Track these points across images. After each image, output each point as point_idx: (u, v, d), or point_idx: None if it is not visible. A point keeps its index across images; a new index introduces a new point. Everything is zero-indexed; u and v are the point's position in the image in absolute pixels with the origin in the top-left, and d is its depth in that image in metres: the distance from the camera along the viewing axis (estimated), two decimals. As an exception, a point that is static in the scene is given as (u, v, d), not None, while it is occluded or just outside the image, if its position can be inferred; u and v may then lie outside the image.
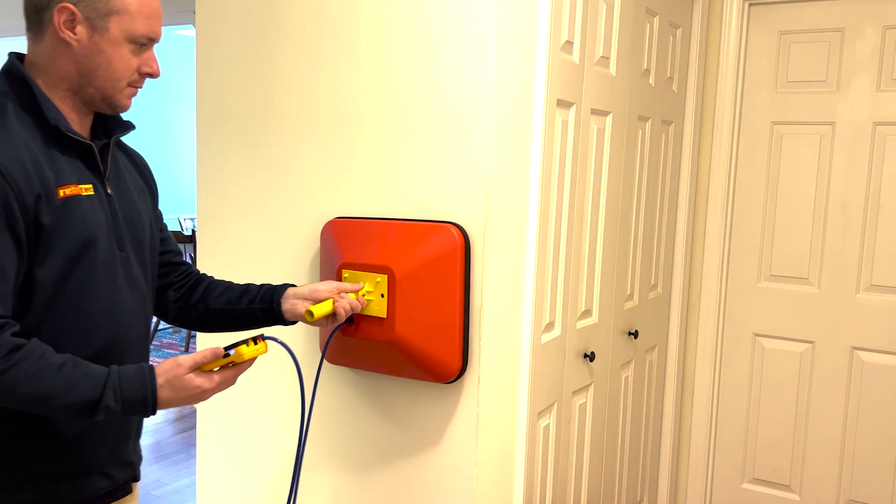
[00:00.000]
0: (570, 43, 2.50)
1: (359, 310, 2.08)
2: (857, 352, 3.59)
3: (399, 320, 2.14)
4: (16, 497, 1.63)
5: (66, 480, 1.69)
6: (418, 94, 2.26)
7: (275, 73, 2.47)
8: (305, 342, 2.51)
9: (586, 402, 2.92)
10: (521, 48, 2.28)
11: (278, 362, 2.56)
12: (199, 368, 1.63)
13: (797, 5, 3.58)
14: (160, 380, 1.60)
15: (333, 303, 2.00)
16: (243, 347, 1.67)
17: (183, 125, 11.22)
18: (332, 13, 2.37)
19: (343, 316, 2.00)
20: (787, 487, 3.77)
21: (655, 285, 3.56)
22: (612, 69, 2.83)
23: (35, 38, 1.65)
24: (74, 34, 1.61)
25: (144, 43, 1.66)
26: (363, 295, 2.14)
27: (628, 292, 3.22)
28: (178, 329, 8.71)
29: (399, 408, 2.37)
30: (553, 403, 2.65)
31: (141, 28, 1.64)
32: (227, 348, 1.66)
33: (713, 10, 3.69)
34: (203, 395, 1.64)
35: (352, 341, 2.23)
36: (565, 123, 2.53)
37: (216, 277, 2.58)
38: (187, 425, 5.54)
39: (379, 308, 2.15)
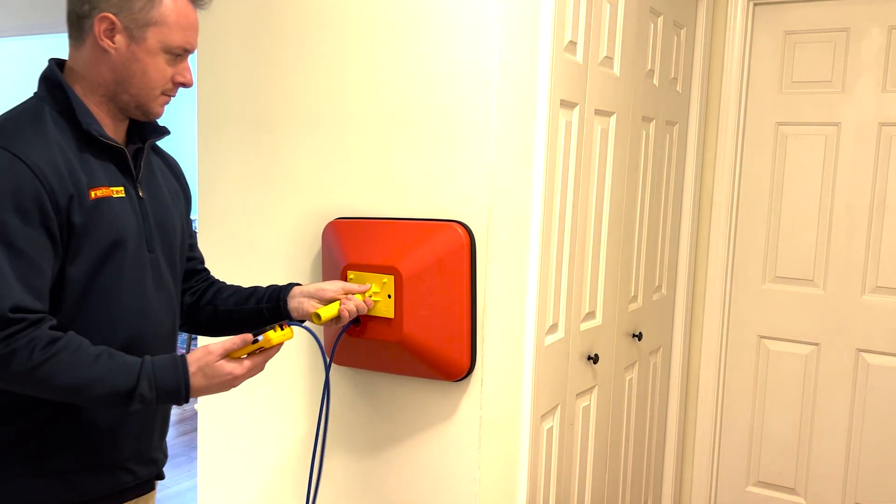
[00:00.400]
0: (573, 43, 2.50)
1: (365, 311, 2.10)
2: (863, 354, 3.58)
3: (407, 320, 2.13)
4: (38, 488, 1.67)
5: (89, 474, 1.73)
6: (421, 94, 2.26)
7: (276, 72, 2.47)
8: (312, 343, 2.51)
9: (590, 404, 2.92)
10: (525, 48, 2.28)
11: (280, 365, 2.55)
12: (228, 355, 1.69)
13: (802, 5, 3.57)
14: (192, 368, 1.66)
15: (340, 305, 2.02)
16: (271, 333, 1.73)
17: (184, 126, 11.24)
18: (333, 13, 2.37)
19: (348, 317, 2.03)
20: (792, 490, 3.76)
21: (659, 287, 3.56)
22: (616, 69, 2.83)
23: (75, 45, 1.70)
24: (113, 43, 1.66)
25: (179, 54, 1.71)
26: (370, 296, 2.14)
27: (632, 294, 3.22)
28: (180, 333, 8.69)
29: (401, 410, 2.37)
30: (556, 406, 2.65)
31: (177, 39, 1.69)
32: (256, 334, 1.72)
33: (718, 10, 3.69)
34: (234, 381, 1.70)
35: (359, 342, 2.23)
36: (569, 124, 2.53)
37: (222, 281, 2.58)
38: (188, 428, 5.54)
39: (386, 308, 2.15)
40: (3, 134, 1.59)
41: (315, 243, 2.45)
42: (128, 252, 1.71)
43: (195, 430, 5.45)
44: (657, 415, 3.68)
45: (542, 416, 2.55)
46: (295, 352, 2.53)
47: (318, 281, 2.45)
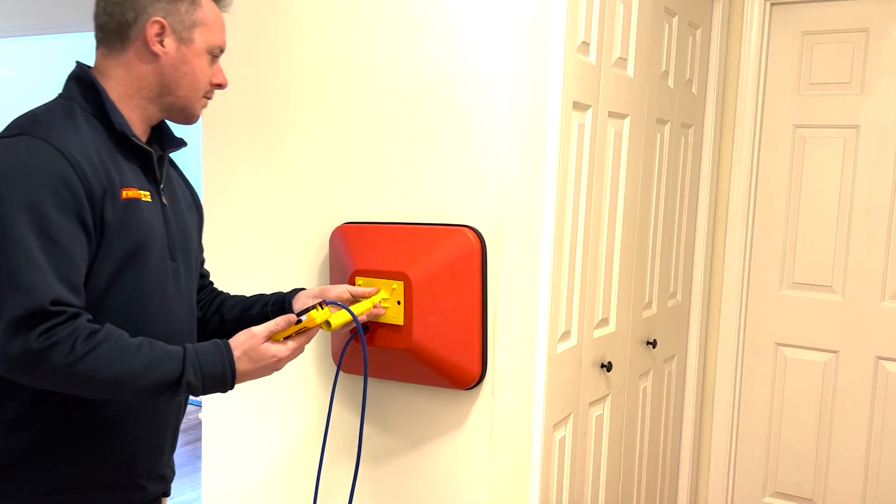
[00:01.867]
0: (586, 44, 2.50)
1: (377, 317, 2.09)
2: (883, 362, 3.57)
3: (417, 327, 2.13)
4: (48, 502, 1.66)
5: (103, 490, 1.72)
6: (431, 96, 2.26)
7: (282, 74, 2.47)
8: (318, 351, 2.51)
9: (603, 413, 2.91)
10: (537, 49, 2.28)
11: (287, 374, 2.55)
12: (272, 338, 1.71)
13: (820, 5, 3.56)
14: (237, 352, 1.68)
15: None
16: (314, 312, 1.76)
17: (186, 127, 11.26)
18: (342, 16, 2.37)
19: (364, 319, 2.02)
20: (810, 501, 3.75)
21: (674, 293, 3.55)
22: (630, 71, 2.83)
23: (110, 52, 1.73)
24: (163, 46, 1.70)
25: (217, 54, 1.79)
26: (379, 302, 2.14)
27: (646, 300, 3.21)
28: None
29: (410, 418, 2.37)
30: (569, 415, 2.64)
31: (217, 39, 1.77)
32: (299, 314, 1.74)
33: (734, 10, 3.68)
34: (278, 364, 1.72)
35: (368, 349, 2.22)
36: (581, 126, 2.52)
37: (223, 288, 2.58)
38: (192, 438, 5.54)
39: (395, 315, 2.14)
40: (38, 125, 1.61)
41: (322, 249, 2.45)
42: (152, 258, 1.71)
43: (199, 439, 5.45)
44: (672, 424, 3.67)
45: (554, 426, 2.54)
46: (302, 361, 2.53)
47: (326, 287, 2.45)
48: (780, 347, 3.77)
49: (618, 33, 2.70)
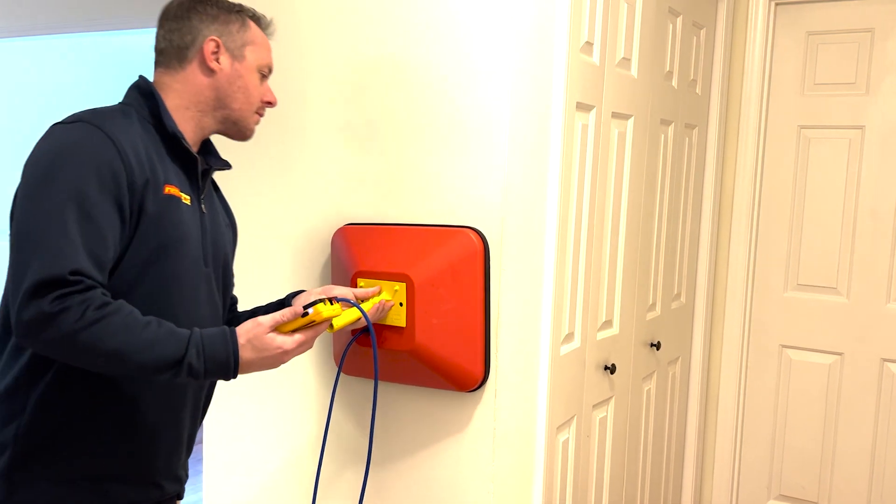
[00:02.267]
0: (589, 44, 2.49)
1: (385, 311, 2.10)
2: (888, 364, 3.56)
3: (419, 329, 2.13)
4: (70, 492, 1.72)
5: (121, 484, 1.77)
6: (433, 96, 2.25)
7: (283, 75, 2.46)
8: (320, 354, 2.50)
9: (607, 415, 2.91)
10: (540, 49, 2.28)
11: (288, 377, 2.55)
12: (278, 329, 1.73)
13: (825, 5, 3.56)
14: (241, 339, 1.69)
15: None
16: (321, 305, 1.76)
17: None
18: (343, 15, 2.37)
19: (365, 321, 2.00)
20: (815, 505, 3.75)
21: (678, 295, 3.54)
22: (634, 71, 2.82)
23: (167, 71, 1.87)
24: (219, 63, 1.85)
25: (266, 73, 1.93)
26: (385, 301, 2.13)
27: (650, 302, 3.21)
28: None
29: (412, 421, 2.36)
30: (572, 417, 2.64)
31: (265, 58, 1.92)
32: (305, 307, 1.74)
33: (738, 10, 3.67)
34: (283, 356, 1.73)
35: (368, 351, 2.22)
36: (585, 127, 2.52)
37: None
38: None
39: (398, 317, 2.14)
40: (94, 116, 1.71)
41: (324, 250, 2.45)
42: (186, 257, 1.78)
43: (200, 442, 5.45)
44: (676, 426, 3.67)
45: (557, 428, 2.54)
46: (304, 363, 2.52)
47: (328, 288, 2.45)
48: (784, 349, 3.76)
49: (621, 33, 2.69)
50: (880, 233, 3.52)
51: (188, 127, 1.86)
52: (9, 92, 7.96)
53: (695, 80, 3.45)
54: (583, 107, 2.50)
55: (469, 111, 2.21)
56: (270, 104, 1.95)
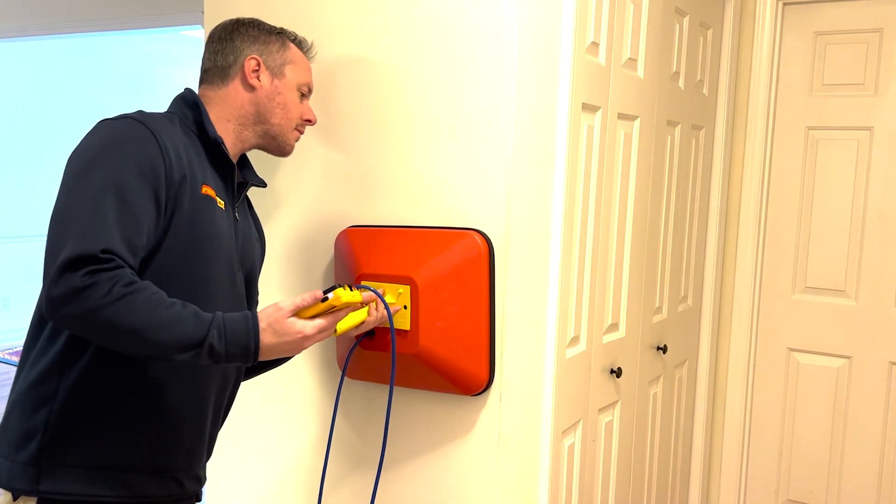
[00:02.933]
0: (595, 44, 2.49)
1: (392, 315, 2.09)
2: (898, 368, 3.56)
3: (423, 332, 2.12)
4: (95, 481, 1.78)
5: (143, 476, 1.83)
6: (437, 97, 2.25)
7: (288, 76, 2.46)
8: (323, 357, 2.50)
9: (613, 419, 2.90)
10: (545, 49, 2.27)
11: (291, 380, 2.55)
12: (298, 314, 1.76)
13: (833, 5, 3.55)
14: (262, 324, 1.72)
15: (366, 312, 2.00)
16: (340, 290, 1.79)
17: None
18: (344, 14, 2.36)
19: (373, 324, 2.02)
20: (823, 510, 3.74)
21: (685, 298, 3.54)
22: (640, 71, 2.82)
23: (211, 87, 1.99)
24: (259, 80, 1.98)
25: (305, 93, 2.06)
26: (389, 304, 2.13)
27: (657, 305, 3.20)
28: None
29: (416, 425, 2.36)
30: (578, 421, 2.63)
31: (304, 77, 2.05)
32: (325, 292, 1.77)
33: (746, 10, 3.67)
34: (303, 341, 1.76)
35: (372, 355, 2.22)
36: (591, 128, 2.52)
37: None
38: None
39: (402, 320, 2.14)
40: (140, 114, 1.81)
41: (327, 253, 2.45)
42: (218, 259, 1.87)
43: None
44: (682, 430, 3.66)
45: (563, 432, 2.53)
46: (306, 367, 2.52)
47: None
48: (792, 353, 3.75)
49: (628, 34, 2.69)
50: (889, 235, 3.51)
51: (229, 139, 1.97)
52: (8, 92, 7.97)
53: (702, 81, 3.44)
54: (588, 108, 2.49)
55: (474, 112, 2.20)
56: (310, 122, 2.07)
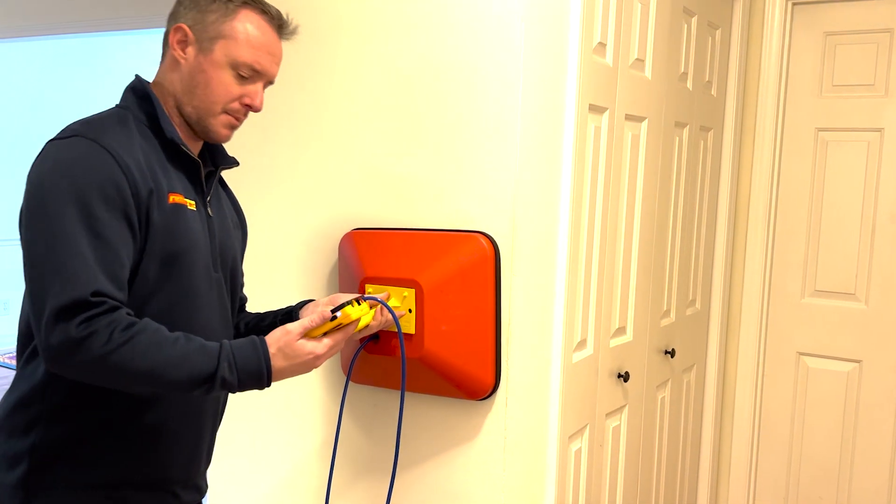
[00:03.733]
0: (602, 44, 2.49)
1: (390, 322, 2.09)
2: (909, 372, 3.55)
3: (428, 336, 2.12)
4: (88, 500, 1.73)
5: (139, 492, 1.78)
6: (443, 98, 2.25)
7: (288, 75, 2.46)
8: (328, 362, 2.49)
9: (620, 424, 2.90)
10: (551, 50, 2.27)
11: (295, 385, 2.55)
12: (307, 335, 1.74)
13: (843, 5, 3.55)
14: (272, 349, 1.70)
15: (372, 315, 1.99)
16: (349, 308, 1.78)
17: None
18: (348, 13, 2.36)
19: (377, 327, 2.01)
20: (833, 516, 3.73)
21: (693, 301, 3.53)
22: (648, 72, 2.81)
23: (162, 60, 1.83)
24: (184, 54, 1.77)
25: (247, 74, 1.79)
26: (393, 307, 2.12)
27: (664, 308, 3.20)
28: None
29: (422, 430, 2.36)
30: (585, 426, 2.63)
31: (244, 56, 1.77)
32: (334, 310, 1.76)
33: (754, 10, 3.66)
34: (315, 361, 1.74)
35: (377, 359, 2.21)
36: (598, 129, 2.51)
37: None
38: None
39: (406, 324, 2.13)
40: (90, 128, 1.69)
41: (331, 256, 2.45)
42: (196, 265, 1.78)
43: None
44: (691, 435, 3.66)
45: (569, 437, 2.53)
46: (311, 371, 2.52)
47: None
48: (801, 357, 3.74)
49: (635, 34, 2.69)
50: (900, 238, 3.51)
51: (182, 129, 1.82)
52: (9, 93, 7.98)
53: (710, 82, 3.44)
54: (595, 109, 2.49)
55: (480, 114, 2.20)
56: (251, 108, 1.83)
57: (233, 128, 1.83)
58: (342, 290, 2.33)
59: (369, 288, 2.17)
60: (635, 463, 3.04)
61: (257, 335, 2.04)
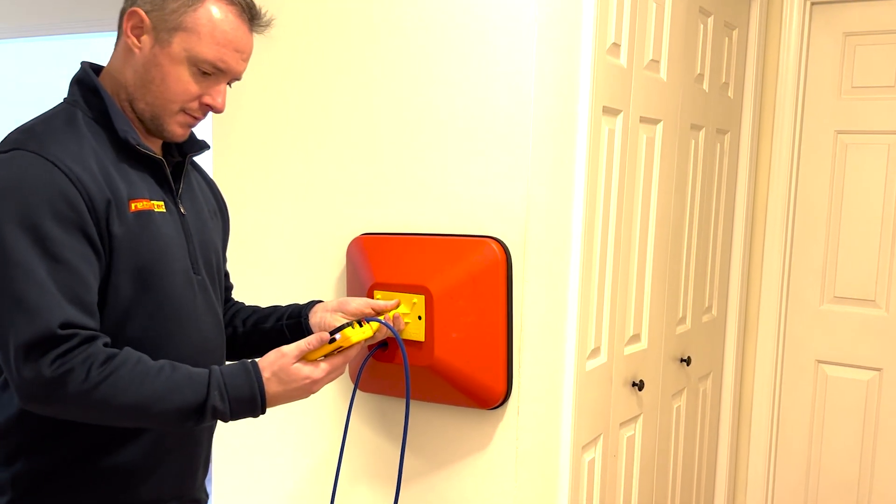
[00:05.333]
0: (616, 45, 2.48)
1: (400, 329, 2.07)
2: (931, 381, 3.53)
3: (438, 343, 2.11)
4: None
5: None
6: (453, 101, 2.24)
7: (296, 79, 2.46)
8: (331, 368, 2.50)
9: (635, 434, 2.89)
10: (565, 51, 2.26)
11: (302, 390, 2.54)
12: (304, 358, 1.65)
13: (863, 4, 3.53)
14: (266, 373, 1.62)
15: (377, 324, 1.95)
16: (349, 330, 1.71)
17: (198, 131, 11.33)
18: (357, 15, 2.36)
19: (379, 337, 1.97)
20: (853, 528, 3.71)
21: (710, 308, 3.52)
22: (663, 74, 2.81)
23: (116, 45, 1.66)
24: (139, 42, 1.61)
25: (208, 71, 1.64)
26: (400, 315, 2.11)
27: (680, 315, 3.19)
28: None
29: (431, 440, 2.35)
30: (599, 436, 2.62)
31: (206, 53, 1.61)
32: (332, 333, 1.68)
33: (772, 10, 3.65)
34: (313, 386, 1.66)
35: (386, 367, 2.21)
36: (612, 132, 2.51)
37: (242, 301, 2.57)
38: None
39: (416, 331, 2.12)
40: (34, 138, 1.55)
41: (339, 261, 2.44)
42: (174, 272, 1.67)
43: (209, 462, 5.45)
44: (707, 445, 3.64)
45: (583, 447, 2.52)
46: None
47: (343, 301, 2.44)
48: (820, 365, 3.73)
49: (650, 34, 2.68)
50: (922, 243, 3.49)
51: (140, 123, 1.68)
52: (9, 93, 8.01)
53: (727, 83, 3.43)
54: (609, 111, 2.48)
55: (491, 117, 2.20)
56: (212, 108, 1.68)
57: (190, 126, 1.70)
58: (350, 296, 2.32)
59: (378, 294, 2.16)
60: (650, 473, 3.03)
61: (258, 337, 2.02)
